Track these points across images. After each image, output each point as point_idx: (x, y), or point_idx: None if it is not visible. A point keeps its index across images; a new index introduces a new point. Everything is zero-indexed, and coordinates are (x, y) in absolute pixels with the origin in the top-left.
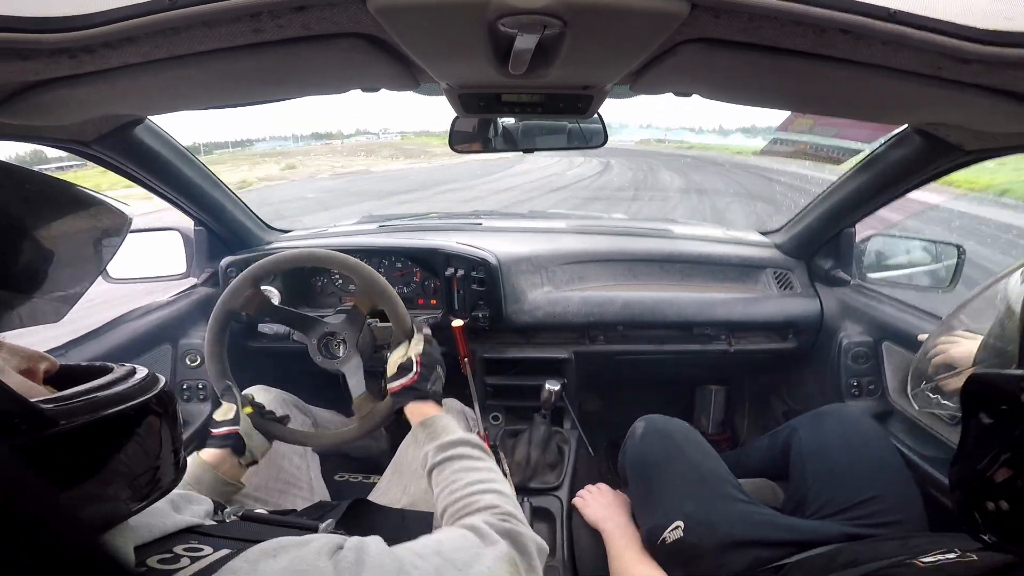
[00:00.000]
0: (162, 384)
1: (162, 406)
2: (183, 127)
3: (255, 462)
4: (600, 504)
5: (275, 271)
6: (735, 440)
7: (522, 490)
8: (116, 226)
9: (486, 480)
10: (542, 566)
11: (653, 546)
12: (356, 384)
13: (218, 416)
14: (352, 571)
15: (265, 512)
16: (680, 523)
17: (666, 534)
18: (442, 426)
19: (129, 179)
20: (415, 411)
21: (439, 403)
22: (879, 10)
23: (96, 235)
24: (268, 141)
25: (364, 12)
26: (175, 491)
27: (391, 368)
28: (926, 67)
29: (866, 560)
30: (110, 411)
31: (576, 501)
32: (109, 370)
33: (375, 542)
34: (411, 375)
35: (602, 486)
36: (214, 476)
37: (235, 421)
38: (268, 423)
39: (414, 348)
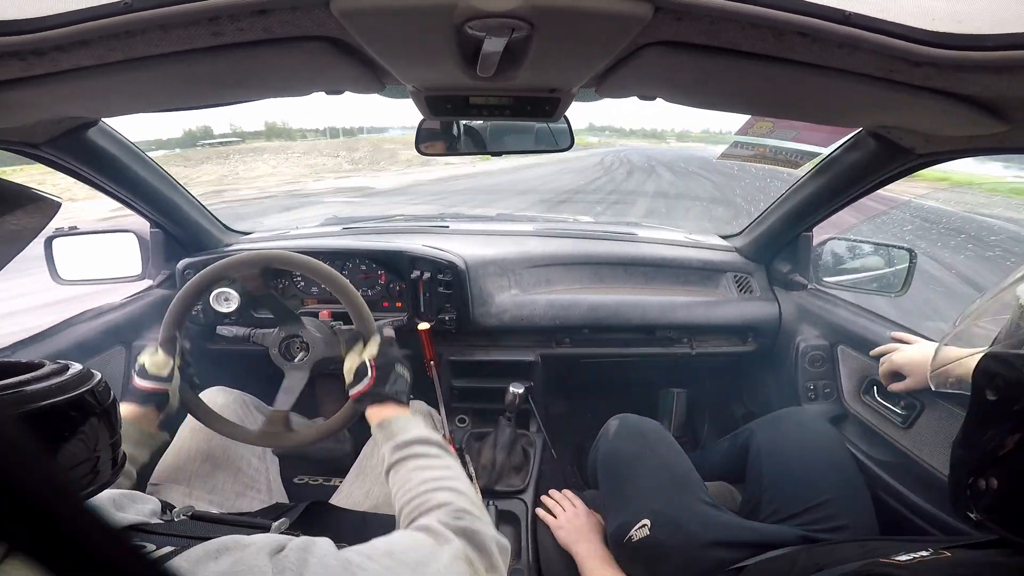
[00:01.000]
0: (96, 380)
1: (97, 401)
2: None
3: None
4: (573, 527)
5: (285, 267)
6: (696, 442)
7: (487, 493)
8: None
9: (441, 478)
10: (505, 563)
11: (619, 545)
12: (283, 400)
13: (151, 367)
14: (293, 571)
15: (215, 512)
16: (647, 521)
17: (633, 532)
18: (399, 426)
19: (82, 181)
20: (374, 414)
21: (401, 403)
22: (835, 13)
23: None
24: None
25: (327, 15)
26: (117, 490)
27: (348, 375)
28: (879, 70)
29: (828, 564)
30: (39, 404)
31: (548, 520)
32: (41, 366)
33: (323, 543)
34: (367, 380)
35: (577, 503)
36: (138, 430)
37: (169, 378)
38: (190, 392)
39: (368, 351)
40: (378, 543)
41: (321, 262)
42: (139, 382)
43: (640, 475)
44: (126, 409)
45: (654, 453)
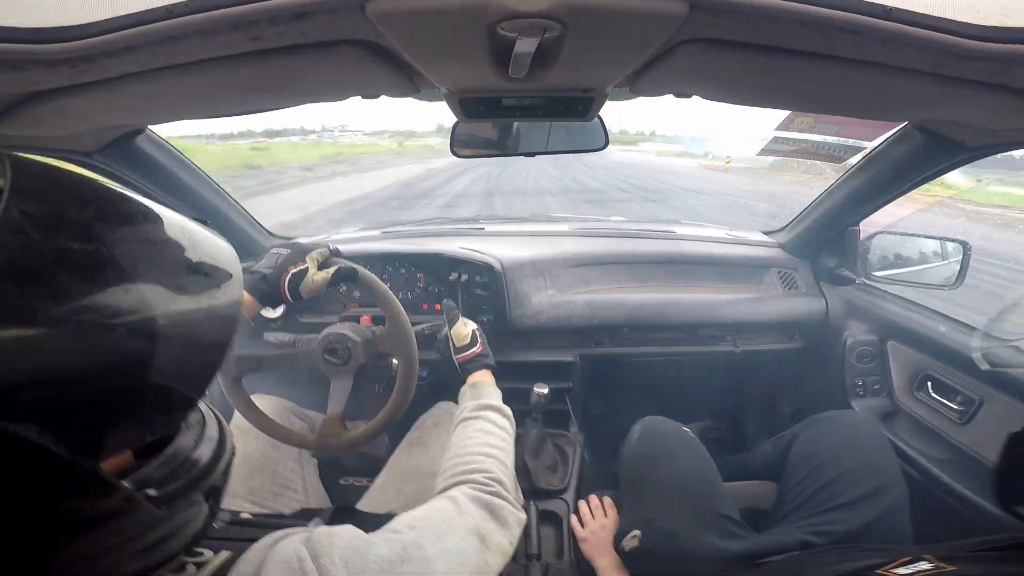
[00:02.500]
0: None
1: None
2: None
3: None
4: (598, 540)
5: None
6: (742, 442)
7: (528, 494)
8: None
9: (495, 445)
10: (519, 532)
11: (620, 554)
12: (336, 402)
13: (293, 267)
14: (327, 554)
15: (251, 516)
16: (638, 532)
17: (624, 541)
18: (487, 391)
19: (131, 189)
20: (474, 375)
21: (493, 371)
22: (877, 8)
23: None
24: None
25: (363, 19)
26: None
27: (458, 340)
28: (926, 64)
29: (819, 570)
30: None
31: (576, 529)
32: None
33: (347, 528)
34: (477, 346)
35: (609, 513)
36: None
37: (298, 278)
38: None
39: (471, 324)
40: (403, 518)
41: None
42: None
43: (646, 483)
44: None
45: (669, 459)
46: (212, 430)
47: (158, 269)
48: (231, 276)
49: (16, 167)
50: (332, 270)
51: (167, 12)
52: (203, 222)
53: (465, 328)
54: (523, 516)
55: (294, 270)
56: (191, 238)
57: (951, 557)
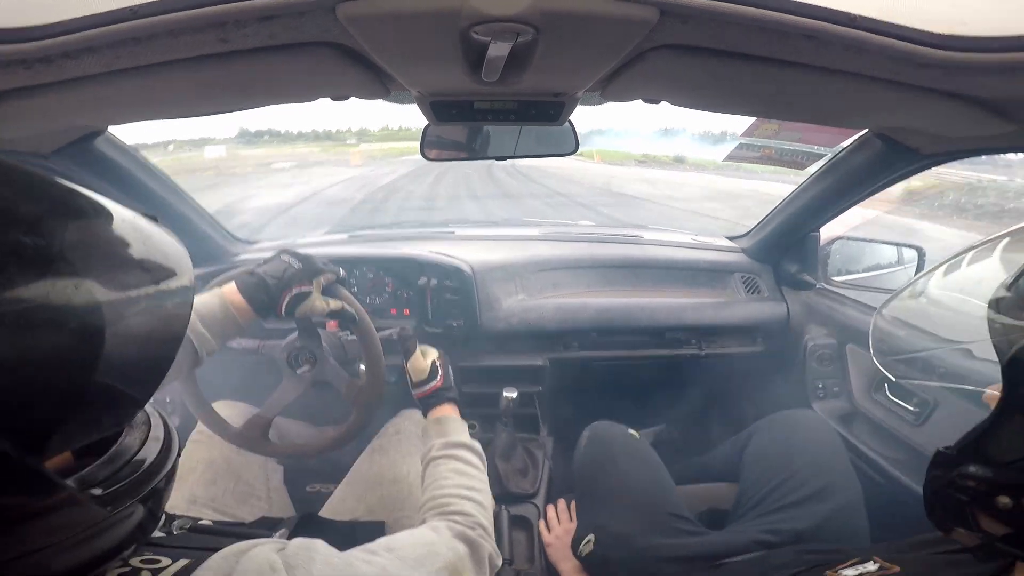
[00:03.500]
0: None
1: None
2: None
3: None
4: (562, 544)
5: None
6: (707, 443)
7: (499, 498)
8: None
9: (473, 487)
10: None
11: (579, 559)
12: (271, 406)
13: (298, 287)
14: (304, 568)
15: (211, 523)
16: (592, 536)
17: (581, 546)
18: (453, 427)
19: (91, 192)
20: (436, 409)
21: (456, 404)
22: (841, 16)
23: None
24: None
25: (333, 21)
26: None
27: (417, 373)
28: (885, 72)
29: (769, 572)
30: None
31: (543, 534)
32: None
33: (321, 543)
34: (437, 380)
35: (574, 518)
36: (227, 315)
37: (300, 299)
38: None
39: (431, 354)
40: (381, 540)
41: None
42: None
43: (596, 488)
44: (229, 288)
45: (614, 464)
46: (158, 430)
47: (107, 265)
48: (179, 275)
49: None
50: (334, 306)
51: (132, 13)
52: (153, 219)
53: (424, 360)
54: (499, 562)
55: (297, 290)
56: (141, 234)
57: (897, 558)
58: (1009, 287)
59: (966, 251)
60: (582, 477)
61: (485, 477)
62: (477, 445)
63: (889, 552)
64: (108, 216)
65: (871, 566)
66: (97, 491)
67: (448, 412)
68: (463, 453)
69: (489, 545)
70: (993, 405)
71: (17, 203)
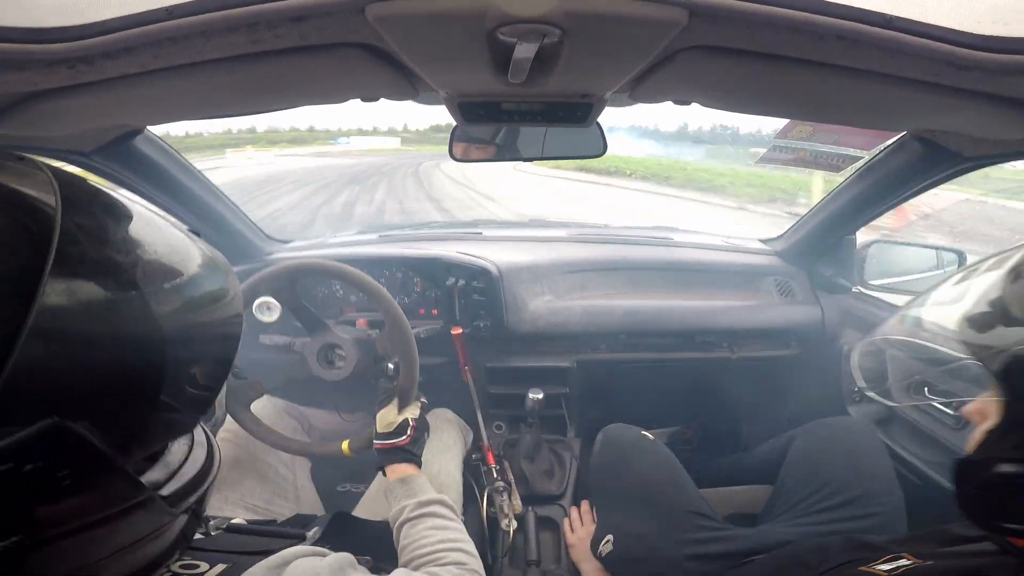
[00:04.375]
0: None
1: None
2: None
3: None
4: (585, 546)
5: (321, 275)
6: (736, 445)
7: (526, 499)
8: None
9: (456, 540)
10: None
11: (599, 560)
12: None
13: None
14: None
15: (244, 523)
16: (610, 536)
17: (600, 547)
18: (420, 485)
19: (129, 190)
20: (396, 469)
21: (419, 465)
22: (876, 17)
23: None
24: None
25: (362, 22)
26: None
27: (381, 424)
28: (924, 74)
29: (803, 566)
30: None
31: (567, 535)
32: None
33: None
34: (404, 437)
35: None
36: None
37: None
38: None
39: (411, 412)
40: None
41: (355, 269)
42: None
43: (612, 490)
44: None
45: (628, 465)
46: (200, 436)
47: (173, 279)
48: (229, 287)
49: (61, 181)
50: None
51: (167, 13)
52: (196, 233)
53: (394, 415)
54: None
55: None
56: (198, 251)
57: (928, 553)
58: (990, 303)
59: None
60: (598, 479)
61: (462, 527)
62: (449, 500)
63: (921, 546)
64: (171, 233)
65: (905, 562)
66: (164, 493)
67: (411, 471)
68: (438, 509)
69: None
70: (975, 419)
71: (108, 221)
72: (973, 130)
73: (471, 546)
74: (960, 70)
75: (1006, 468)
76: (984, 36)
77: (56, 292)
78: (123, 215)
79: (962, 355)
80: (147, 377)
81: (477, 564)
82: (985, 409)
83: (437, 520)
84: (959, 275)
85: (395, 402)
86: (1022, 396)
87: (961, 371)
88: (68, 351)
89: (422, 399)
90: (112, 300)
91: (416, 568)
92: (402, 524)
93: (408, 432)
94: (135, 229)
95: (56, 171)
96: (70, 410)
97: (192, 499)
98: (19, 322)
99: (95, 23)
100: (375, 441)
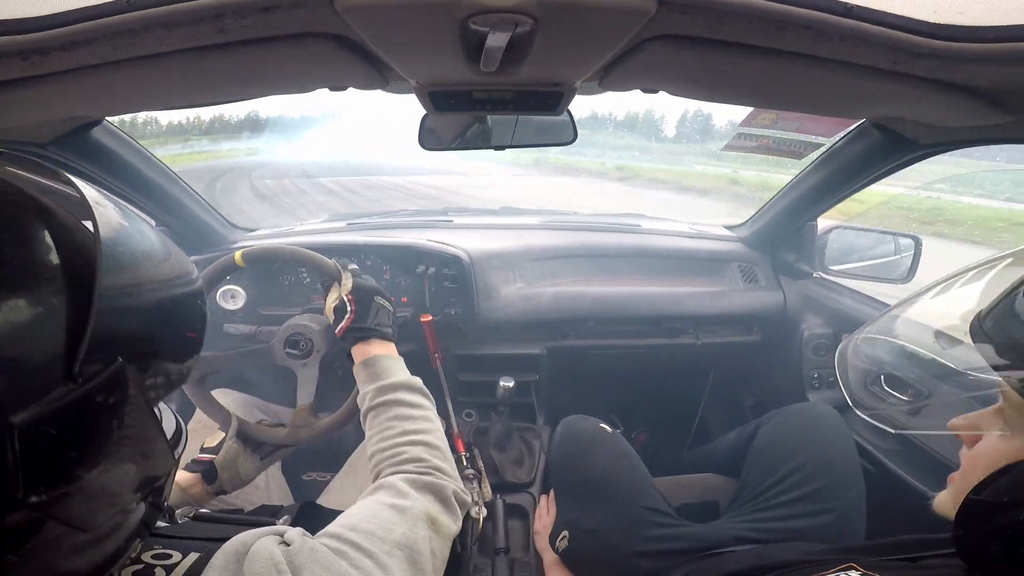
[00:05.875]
0: None
1: None
2: None
3: (224, 492)
4: (546, 535)
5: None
6: (707, 434)
7: (496, 487)
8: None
9: (419, 430)
10: (461, 515)
11: (557, 553)
12: (305, 393)
13: (206, 442)
14: (308, 569)
15: (210, 511)
16: (566, 532)
17: (557, 542)
18: (383, 367)
19: (88, 181)
20: (359, 351)
21: (386, 337)
22: (838, 5)
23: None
24: None
25: (331, 12)
26: None
27: (328, 314)
28: (882, 61)
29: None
30: None
31: (535, 523)
32: None
33: (295, 533)
34: (347, 316)
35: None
36: (181, 496)
37: (216, 450)
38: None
39: (344, 287)
40: (341, 519)
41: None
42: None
43: (569, 483)
44: (178, 477)
45: (586, 459)
46: (169, 424)
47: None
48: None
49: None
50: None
51: (128, 5)
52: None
53: (333, 296)
54: (467, 498)
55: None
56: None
57: (879, 564)
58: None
59: (953, 276)
60: (556, 472)
61: (431, 413)
62: (416, 381)
63: (872, 555)
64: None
65: (854, 574)
66: None
67: (374, 350)
68: (401, 395)
69: (452, 484)
70: (964, 437)
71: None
72: (928, 118)
73: (436, 436)
74: (916, 58)
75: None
76: (939, 24)
77: (107, 270)
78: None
79: (962, 368)
80: (158, 337)
81: (438, 456)
82: (982, 430)
83: (399, 409)
84: (968, 275)
85: (332, 289)
86: None
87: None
88: (122, 312)
89: (351, 266)
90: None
91: (376, 467)
92: (366, 413)
93: (348, 308)
94: (131, 215)
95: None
96: (128, 355)
97: (157, 483)
98: (90, 291)
99: (52, 15)
100: (334, 331)
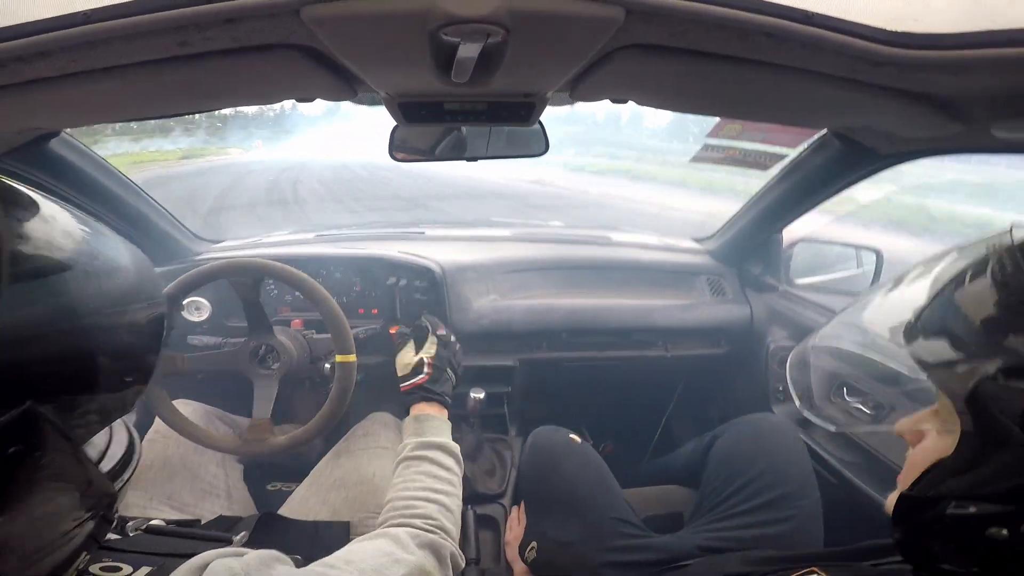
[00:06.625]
0: None
1: None
2: None
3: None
4: (516, 545)
5: (282, 280)
6: (672, 445)
7: (467, 499)
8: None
9: (440, 491)
10: None
11: (526, 564)
12: (263, 407)
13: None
14: None
15: (163, 523)
16: (535, 543)
17: (527, 553)
18: (433, 426)
19: (46, 193)
20: (418, 407)
21: (444, 405)
22: (798, 13)
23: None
24: None
25: (298, 23)
26: None
27: (401, 368)
28: (842, 70)
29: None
30: None
31: (507, 534)
32: None
33: (282, 569)
34: (421, 376)
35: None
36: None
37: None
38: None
39: (426, 351)
40: (339, 553)
41: (320, 287)
42: None
43: (538, 495)
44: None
45: (555, 471)
46: (121, 436)
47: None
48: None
49: None
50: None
51: (85, 17)
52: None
53: (408, 356)
54: (462, 563)
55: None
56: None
57: (837, 566)
58: (948, 315)
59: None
60: (526, 484)
61: (458, 480)
62: (454, 447)
63: (832, 561)
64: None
65: None
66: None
67: (429, 411)
68: (436, 455)
69: (451, 546)
70: (908, 437)
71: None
72: (886, 127)
73: (453, 499)
74: (875, 66)
75: (957, 511)
76: (897, 32)
77: (13, 298)
78: (50, 215)
79: (906, 370)
80: (89, 364)
81: (450, 518)
82: (923, 429)
83: (429, 467)
84: (908, 278)
85: (411, 344)
86: (990, 430)
87: (898, 382)
88: (29, 347)
89: (440, 331)
90: (56, 297)
91: (387, 514)
92: (400, 462)
93: (425, 371)
94: (61, 226)
95: None
96: (39, 395)
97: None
98: None
99: (8, 27)
100: (401, 385)
